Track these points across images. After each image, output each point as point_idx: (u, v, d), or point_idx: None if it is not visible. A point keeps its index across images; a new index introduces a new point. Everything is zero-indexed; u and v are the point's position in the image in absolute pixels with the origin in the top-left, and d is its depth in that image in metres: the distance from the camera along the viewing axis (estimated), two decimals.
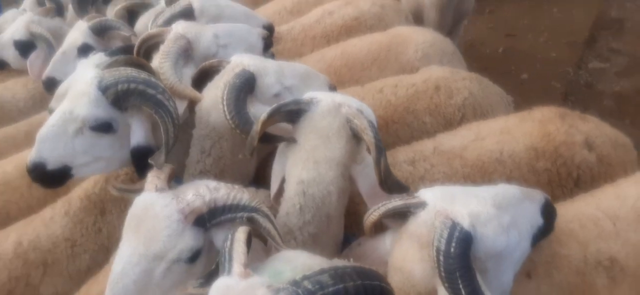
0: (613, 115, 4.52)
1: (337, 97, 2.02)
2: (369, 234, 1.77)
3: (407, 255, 1.60)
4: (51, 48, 3.47)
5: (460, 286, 1.44)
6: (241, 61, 2.24)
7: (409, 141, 2.56)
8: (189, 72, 2.45)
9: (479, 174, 2.26)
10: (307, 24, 3.82)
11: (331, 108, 1.93)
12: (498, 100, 2.88)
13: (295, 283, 1.24)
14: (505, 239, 1.60)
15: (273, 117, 1.94)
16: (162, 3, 3.40)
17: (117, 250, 1.64)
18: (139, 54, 2.61)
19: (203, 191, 1.66)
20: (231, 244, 1.42)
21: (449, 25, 4.56)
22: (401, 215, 1.65)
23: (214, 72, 2.32)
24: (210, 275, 1.47)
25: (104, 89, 1.98)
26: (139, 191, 1.74)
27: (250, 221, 1.64)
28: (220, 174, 2.20)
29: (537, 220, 1.73)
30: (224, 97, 2.08)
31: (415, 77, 2.91)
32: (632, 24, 6.43)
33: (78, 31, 3.21)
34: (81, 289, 2.02)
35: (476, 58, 5.61)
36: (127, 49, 2.78)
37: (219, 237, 1.64)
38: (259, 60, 2.29)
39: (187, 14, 2.91)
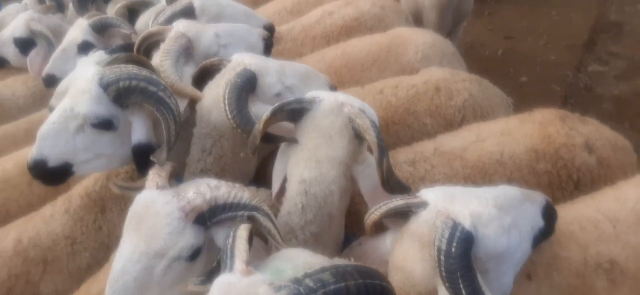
0: (612, 119, 4.52)
1: (340, 96, 2.02)
2: (369, 233, 1.77)
3: (408, 254, 1.60)
4: (51, 45, 3.47)
5: (461, 286, 1.44)
6: (242, 60, 2.24)
7: (410, 142, 2.57)
8: (190, 70, 2.45)
9: (479, 175, 2.26)
10: (307, 24, 3.83)
11: (334, 107, 1.93)
12: (498, 102, 2.89)
13: (297, 281, 1.24)
14: (507, 240, 1.60)
15: (275, 115, 1.94)
16: (163, 1, 3.40)
17: (117, 248, 1.63)
18: (140, 52, 2.61)
19: (204, 189, 1.66)
20: (233, 241, 1.42)
21: (448, 27, 4.58)
22: (402, 215, 1.66)
23: (215, 70, 2.32)
24: (211, 273, 1.48)
25: (105, 86, 1.98)
26: (139, 189, 1.74)
27: (251, 220, 1.64)
28: (221, 173, 2.20)
29: (538, 222, 1.74)
30: (226, 96, 2.09)
31: (415, 78, 2.91)
32: (631, 28, 6.45)
33: (78, 29, 3.22)
34: (81, 287, 2.02)
35: (475, 60, 5.62)
36: (127, 47, 2.78)
37: (219, 235, 1.64)
38: (261, 60, 2.29)
39: (188, 12, 2.91)
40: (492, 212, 1.59)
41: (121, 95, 1.98)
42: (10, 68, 3.84)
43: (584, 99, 5.37)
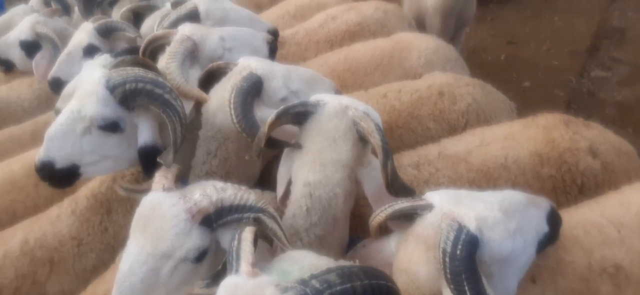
0: (615, 124, 4.52)
1: (344, 99, 2.03)
2: (374, 235, 1.78)
3: (412, 256, 1.60)
4: (57, 49, 3.48)
5: (466, 288, 1.44)
6: (249, 64, 2.26)
7: (413, 146, 2.57)
8: (195, 73, 2.47)
9: (483, 178, 2.27)
10: (310, 28, 3.84)
11: (338, 110, 1.94)
12: (501, 107, 2.90)
13: (303, 282, 1.25)
14: (511, 244, 1.60)
15: (280, 118, 1.95)
16: (168, 5, 3.41)
17: (123, 250, 1.64)
18: (145, 55, 2.63)
19: (210, 191, 1.67)
20: (238, 243, 1.43)
21: (451, 32, 4.59)
22: (407, 217, 1.66)
23: (221, 73, 2.34)
24: (217, 276, 1.48)
25: (111, 88, 1.99)
26: (145, 191, 1.75)
27: (257, 222, 1.65)
28: (226, 176, 2.21)
29: (543, 227, 1.74)
30: (231, 100, 2.10)
31: (419, 82, 2.92)
32: (634, 34, 6.45)
33: (84, 32, 3.23)
34: (88, 288, 2.03)
35: (478, 65, 5.61)
36: (132, 51, 2.80)
37: (225, 237, 1.65)
38: (267, 64, 2.30)
39: (193, 16, 2.93)
40: (497, 216, 1.59)
41: (127, 97, 2.00)
42: (16, 71, 3.86)
43: (587, 105, 5.37)
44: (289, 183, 1.98)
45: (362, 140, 1.93)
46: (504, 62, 6.24)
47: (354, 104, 1.99)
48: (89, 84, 2.03)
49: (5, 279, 2.19)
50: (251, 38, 2.77)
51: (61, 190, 2.24)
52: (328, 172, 1.88)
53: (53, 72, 3.14)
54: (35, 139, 2.93)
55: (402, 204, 1.67)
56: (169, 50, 2.45)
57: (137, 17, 3.56)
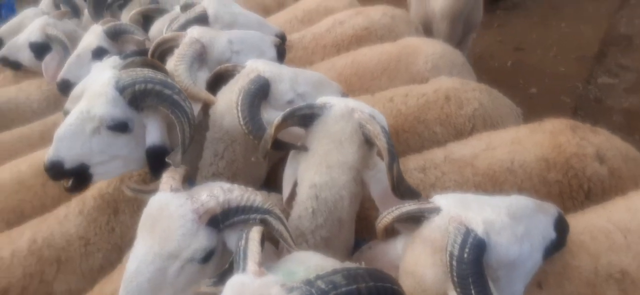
0: (622, 131, 4.49)
1: (350, 102, 2.04)
2: (380, 237, 1.78)
3: (419, 259, 1.60)
4: (66, 51, 3.51)
5: (473, 292, 1.44)
6: (256, 67, 2.27)
7: (420, 150, 2.57)
8: (203, 75, 2.48)
9: (490, 183, 2.26)
10: (317, 32, 3.86)
11: (344, 113, 1.95)
12: (508, 112, 2.89)
13: (309, 282, 1.25)
14: (518, 249, 1.60)
15: (286, 121, 1.96)
16: (177, 9, 3.44)
17: (130, 250, 1.65)
18: (154, 57, 2.64)
19: (217, 192, 1.67)
20: (245, 243, 1.44)
21: (458, 37, 4.59)
22: (414, 220, 1.66)
23: (229, 76, 2.35)
24: (224, 274, 1.49)
25: (121, 89, 2.01)
26: (152, 192, 1.76)
27: (263, 223, 1.65)
28: (232, 177, 2.22)
29: (550, 233, 1.73)
30: (239, 103, 2.11)
31: (425, 87, 2.93)
32: None
33: (93, 34, 3.25)
34: (95, 287, 2.04)
35: (485, 71, 5.62)
36: (141, 53, 2.81)
37: (231, 238, 1.66)
38: (274, 67, 2.31)
39: (202, 19, 2.95)
40: (505, 220, 1.59)
41: (137, 98, 2.02)
42: (26, 72, 3.89)
43: (594, 111, 5.35)
44: (295, 185, 1.98)
45: (368, 142, 1.94)
46: (511, 68, 6.23)
47: (360, 107, 1.99)
48: (99, 85, 2.05)
49: (13, 278, 2.20)
50: (259, 41, 2.79)
51: None
52: (334, 174, 1.89)
53: (62, 74, 3.16)
54: (44, 139, 2.96)
55: (410, 206, 1.67)
56: (177, 52, 2.47)
57: (146, 20, 3.58)
